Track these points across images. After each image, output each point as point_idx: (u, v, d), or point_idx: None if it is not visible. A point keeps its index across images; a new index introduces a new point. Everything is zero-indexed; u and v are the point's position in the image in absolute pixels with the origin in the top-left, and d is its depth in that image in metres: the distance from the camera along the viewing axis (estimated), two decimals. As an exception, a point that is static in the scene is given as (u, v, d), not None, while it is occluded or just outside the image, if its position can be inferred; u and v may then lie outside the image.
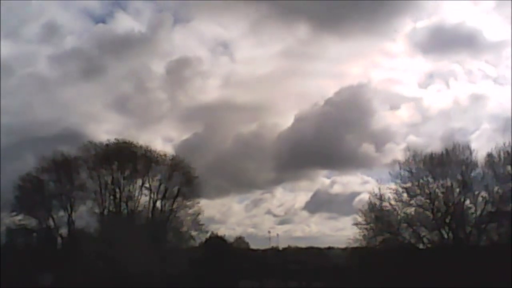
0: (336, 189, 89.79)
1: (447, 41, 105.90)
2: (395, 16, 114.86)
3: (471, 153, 36.96)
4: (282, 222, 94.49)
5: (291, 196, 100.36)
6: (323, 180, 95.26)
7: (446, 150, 37.76)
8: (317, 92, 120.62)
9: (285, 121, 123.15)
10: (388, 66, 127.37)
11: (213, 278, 48.35)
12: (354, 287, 42.81)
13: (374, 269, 36.17)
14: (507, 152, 35.92)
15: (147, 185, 46.50)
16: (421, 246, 37.60)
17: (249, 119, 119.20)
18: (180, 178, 47.23)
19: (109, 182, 46.07)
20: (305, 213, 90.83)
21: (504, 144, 36.35)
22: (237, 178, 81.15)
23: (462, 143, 38.02)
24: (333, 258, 63.47)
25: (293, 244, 79.75)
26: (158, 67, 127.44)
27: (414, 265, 34.42)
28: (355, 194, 76.61)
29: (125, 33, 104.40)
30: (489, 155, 36.49)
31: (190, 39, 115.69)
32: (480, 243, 35.80)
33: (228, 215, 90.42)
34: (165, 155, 47.96)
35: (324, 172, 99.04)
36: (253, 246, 71.04)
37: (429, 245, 37.34)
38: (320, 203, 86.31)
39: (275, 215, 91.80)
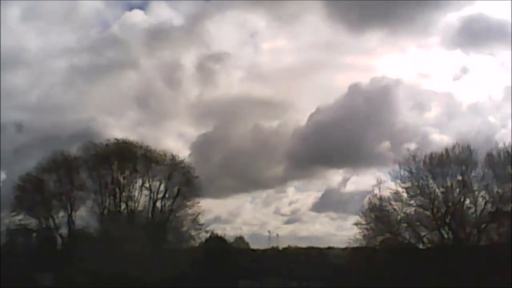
0: (349, 188, 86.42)
1: (481, 34, 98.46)
2: (430, 9, 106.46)
3: (471, 153, 36.95)
4: (289, 222, 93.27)
5: (302, 195, 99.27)
6: (338, 178, 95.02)
7: (446, 150, 37.78)
8: (342, 86, 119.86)
9: (305, 117, 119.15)
10: (421, 60, 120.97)
11: (213, 278, 48.29)
12: (354, 287, 42.83)
13: (374, 269, 36.18)
14: (507, 152, 35.93)
15: (147, 185, 46.60)
16: (421, 246, 37.61)
17: (268, 114, 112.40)
18: (180, 178, 47.28)
19: (109, 182, 46.12)
20: (313, 213, 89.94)
21: (504, 144, 36.43)
22: (249, 176, 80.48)
23: (462, 143, 38.04)
24: (333, 258, 63.44)
25: (299, 244, 79.65)
26: (185, 59, 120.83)
27: (414, 265, 34.40)
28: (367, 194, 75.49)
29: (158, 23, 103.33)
30: (489, 155, 36.49)
31: (220, 31, 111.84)
32: (480, 243, 35.75)
33: (236, 214, 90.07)
34: (165, 155, 47.99)
35: (340, 170, 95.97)
36: (253, 246, 71.13)
37: (429, 245, 37.32)
38: (330, 203, 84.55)
39: (283, 215, 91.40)
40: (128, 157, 46.60)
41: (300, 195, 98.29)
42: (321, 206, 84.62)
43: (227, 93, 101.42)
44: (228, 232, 78.92)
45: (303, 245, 78.42)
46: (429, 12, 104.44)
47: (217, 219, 77.35)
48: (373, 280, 36.17)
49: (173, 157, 48.02)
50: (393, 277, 34.61)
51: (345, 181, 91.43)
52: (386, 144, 74.81)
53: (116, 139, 48.11)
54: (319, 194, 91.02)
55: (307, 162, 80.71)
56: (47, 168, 46.29)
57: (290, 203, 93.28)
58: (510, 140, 36.36)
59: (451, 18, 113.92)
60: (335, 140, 77.58)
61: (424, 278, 32.87)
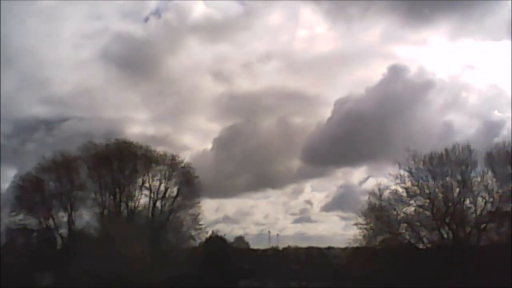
0: (367, 187, 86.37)
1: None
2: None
3: (471, 153, 36.94)
4: (299, 221, 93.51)
5: (318, 194, 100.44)
6: (359, 176, 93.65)
7: (446, 150, 37.74)
8: (374, 78, 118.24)
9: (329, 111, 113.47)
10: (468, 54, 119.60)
11: (213, 278, 48.31)
12: (354, 287, 42.84)
13: (374, 269, 36.15)
14: (507, 152, 35.92)
15: (147, 185, 46.57)
16: (421, 246, 37.61)
17: (296, 108, 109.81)
18: (180, 178, 47.28)
19: (109, 182, 46.08)
20: (325, 212, 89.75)
21: (504, 144, 36.39)
22: (267, 174, 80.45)
23: (461, 143, 38.06)
24: (333, 258, 63.51)
25: (309, 244, 79.85)
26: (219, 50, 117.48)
27: (414, 265, 34.42)
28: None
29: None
30: (489, 155, 36.48)
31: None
32: (480, 243, 35.77)
33: (248, 214, 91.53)
34: (165, 155, 47.97)
35: (362, 168, 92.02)
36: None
37: (429, 245, 37.33)
38: (346, 202, 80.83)
39: (294, 214, 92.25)
40: (128, 157, 46.57)
41: (316, 194, 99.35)
42: (334, 205, 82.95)
43: (256, 86, 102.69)
44: (237, 231, 79.54)
45: (313, 244, 78.74)
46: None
47: (225, 219, 78.92)
48: (373, 280, 36.17)
49: (173, 157, 48.02)
50: (393, 277, 34.62)
51: (365, 179, 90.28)
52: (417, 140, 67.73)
53: (116, 139, 48.14)
54: (336, 193, 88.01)
55: (327, 160, 76.60)
56: (47, 168, 46.23)
57: (305, 202, 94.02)
58: (510, 140, 36.39)
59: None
60: (361, 136, 71.71)
61: (424, 278, 32.90)
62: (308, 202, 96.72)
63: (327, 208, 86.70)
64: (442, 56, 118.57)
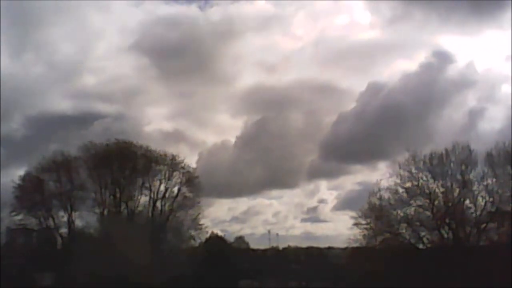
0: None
1: None
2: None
3: (471, 153, 36.93)
4: (307, 220, 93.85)
5: (334, 192, 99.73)
6: (377, 174, 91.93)
7: (446, 150, 37.70)
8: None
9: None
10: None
11: (213, 278, 48.33)
12: (354, 287, 42.82)
13: (374, 269, 36.14)
14: (507, 152, 35.90)
15: (147, 185, 46.54)
16: (421, 246, 37.58)
17: (324, 102, 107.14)
18: (180, 178, 47.30)
19: (109, 182, 46.07)
20: (335, 211, 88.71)
21: (504, 144, 36.37)
22: (285, 172, 78.81)
23: (461, 143, 38.02)
24: (333, 258, 63.48)
25: (314, 243, 79.75)
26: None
27: (414, 265, 34.41)
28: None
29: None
30: (489, 155, 36.47)
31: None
32: (480, 243, 35.77)
33: (258, 213, 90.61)
34: (165, 155, 47.92)
35: (382, 165, 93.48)
36: (253, 246, 71.19)
37: (429, 245, 37.31)
38: (357, 200, 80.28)
39: (304, 213, 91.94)
40: (128, 157, 46.54)
41: (332, 193, 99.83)
42: (346, 204, 79.52)
43: (287, 77, 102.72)
44: (245, 230, 79.11)
45: (319, 244, 78.61)
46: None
47: (234, 219, 79.16)
48: (373, 280, 36.14)
49: (173, 157, 47.97)
50: (393, 277, 34.59)
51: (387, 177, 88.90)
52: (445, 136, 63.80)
53: (116, 139, 48.05)
54: (350, 192, 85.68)
55: (347, 156, 72.22)
56: (47, 168, 46.23)
57: (318, 201, 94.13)
58: (510, 140, 36.37)
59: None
60: (384, 131, 67.86)
61: (424, 278, 32.87)
62: (322, 201, 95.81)
63: (339, 207, 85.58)
64: (487, 47, 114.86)
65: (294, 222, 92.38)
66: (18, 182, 46.00)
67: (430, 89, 79.24)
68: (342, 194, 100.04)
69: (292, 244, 78.35)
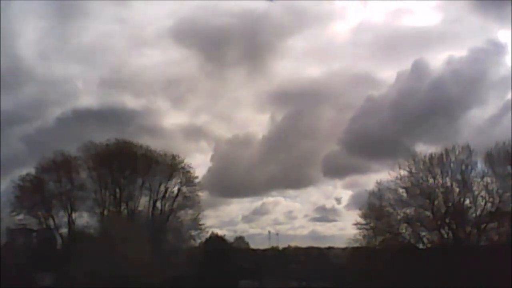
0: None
1: None
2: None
3: (470, 153, 36.94)
4: (317, 220, 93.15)
5: (349, 191, 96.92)
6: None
7: (446, 150, 37.72)
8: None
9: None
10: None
11: (213, 278, 48.33)
12: (354, 287, 42.81)
13: (374, 269, 36.14)
14: (507, 151, 35.90)
15: (147, 185, 46.54)
16: (421, 246, 37.62)
17: (358, 94, 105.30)
18: (180, 178, 47.28)
19: (109, 182, 46.08)
20: (346, 211, 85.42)
21: (503, 144, 36.37)
22: (302, 171, 79.19)
23: (461, 143, 38.02)
24: (333, 258, 63.49)
25: (320, 243, 79.88)
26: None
27: (414, 265, 34.40)
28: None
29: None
30: (489, 155, 36.48)
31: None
32: (480, 243, 35.78)
33: (268, 212, 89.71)
34: (165, 155, 47.97)
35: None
36: (253, 246, 71.17)
37: (429, 245, 37.34)
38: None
39: (315, 212, 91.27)
40: (128, 157, 46.56)
41: (348, 192, 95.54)
42: (358, 203, 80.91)
43: (326, 67, 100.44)
44: (254, 230, 78.91)
45: (324, 244, 78.47)
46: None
47: (244, 218, 79.67)
48: (373, 280, 36.13)
49: (173, 157, 48.02)
50: (393, 277, 34.59)
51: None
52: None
53: (116, 139, 48.07)
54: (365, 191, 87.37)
55: (368, 153, 68.90)
56: (47, 168, 46.25)
57: (333, 200, 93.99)
58: (510, 139, 36.36)
59: None
60: (410, 125, 65.85)
61: (424, 278, 32.88)
62: (338, 200, 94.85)
63: (351, 206, 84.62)
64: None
65: (303, 221, 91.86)
66: (18, 182, 46.10)
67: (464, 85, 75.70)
68: (359, 193, 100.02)
69: (297, 244, 78.66)
